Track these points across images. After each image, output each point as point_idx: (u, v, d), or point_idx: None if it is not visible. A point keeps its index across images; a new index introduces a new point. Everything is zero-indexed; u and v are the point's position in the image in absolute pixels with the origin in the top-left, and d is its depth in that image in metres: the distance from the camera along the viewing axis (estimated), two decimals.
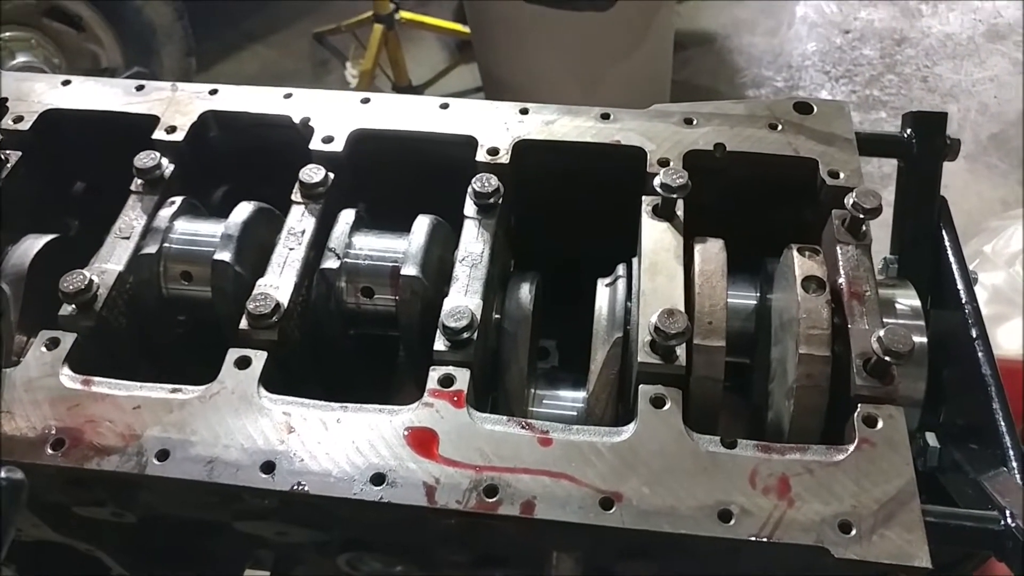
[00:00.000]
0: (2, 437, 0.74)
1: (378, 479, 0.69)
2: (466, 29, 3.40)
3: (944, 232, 0.94)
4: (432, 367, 0.77)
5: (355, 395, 0.79)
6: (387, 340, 0.95)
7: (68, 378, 0.77)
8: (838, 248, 0.81)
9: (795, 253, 0.81)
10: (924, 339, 0.80)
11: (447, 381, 0.75)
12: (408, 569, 0.96)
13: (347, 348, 0.92)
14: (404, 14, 3.37)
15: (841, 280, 0.79)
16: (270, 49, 4.01)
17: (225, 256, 0.83)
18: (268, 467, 0.71)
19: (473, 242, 0.86)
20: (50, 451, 0.73)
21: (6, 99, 1.02)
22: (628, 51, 2.80)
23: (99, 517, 0.89)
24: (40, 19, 2.98)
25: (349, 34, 3.64)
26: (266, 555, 1.08)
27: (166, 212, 0.89)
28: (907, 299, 0.84)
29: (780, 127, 0.92)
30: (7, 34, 2.91)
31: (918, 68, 3.45)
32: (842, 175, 0.87)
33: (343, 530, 0.87)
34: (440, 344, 0.78)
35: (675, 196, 0.84)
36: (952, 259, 0.91)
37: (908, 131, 0.96)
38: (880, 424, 0.70)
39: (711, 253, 0.82)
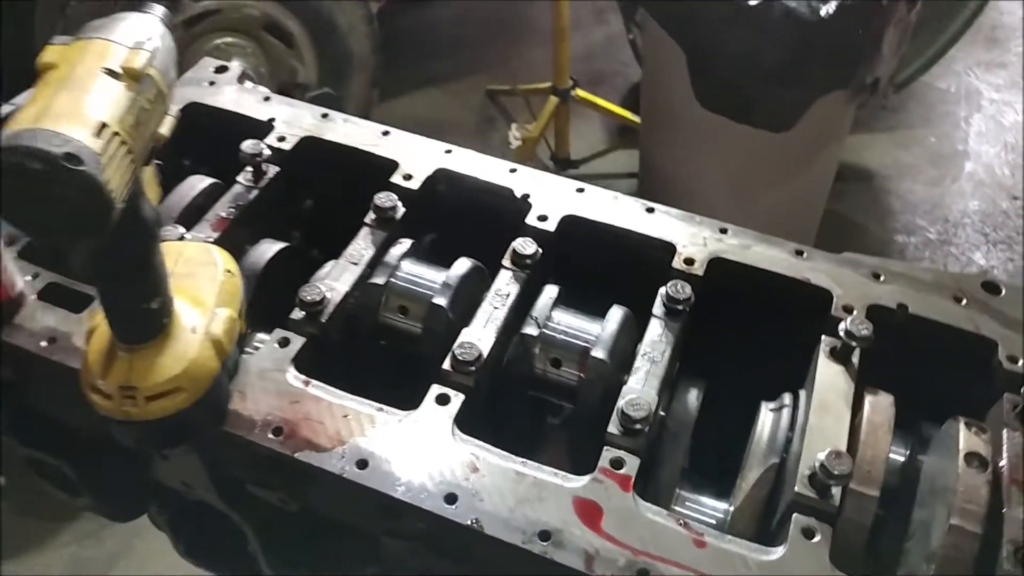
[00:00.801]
0: (232, 413, 0.86)
1: (545, 536, 0.77)
2: (633, 116, 3.53)
3: None
4: (605, 448, 0.84)
5: (506, 442, 0.87)
6: (545, 404, 1.04)
7: (293, 376, 0.89)
8: (1005, 432, 0.85)
9: (962, 426, 0.85)
10: None
11: (618, 464, 0.83)
12: None
13: (517, 404, 1.01)
14: (580, 92, 3.53)
15: (1003, 463, 0.83)
16: (444, 95, 4.24)
17: (442, 302, 0.94)
18: (451, 498, 0.79)
19: (657, 341, 0.94)
20: (271, 436, 0.84)
21: (273, 119, 1.18)
22: (791, 174, 2.86)
23: (267, 499, 1.00)
24: (259, 31, 3.28)
25: (521, 98, 3.83)
26: (374, 572, 1.17)
27: (396, 251, 1.00)
28: None
29: (964, 301, 0.97)
30: (228, 39, 3.21)
31: None
32: (1021, 362, 0.91)
33: (474, 570, 0.94)
34: (615, 428, 0.85)
35: (855, 344, 0.90)
36: None
37: None
38: None
39: (882, 406, 0.88)
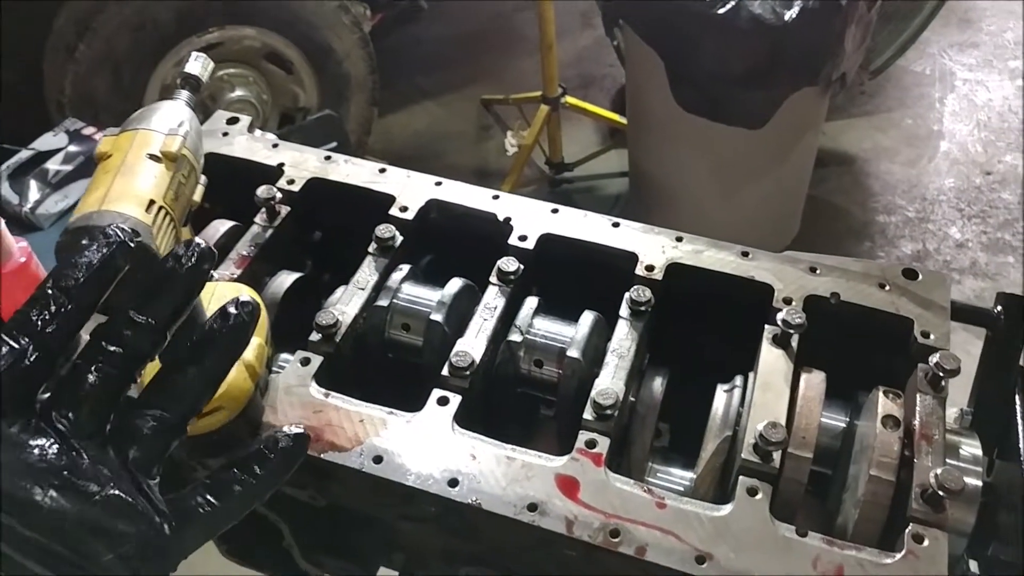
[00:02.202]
0: (265, 425, 1.02)
1: (532, 507, 0.93)
2: (621, 118, 3.68)
3: (1018, 397, 1.11)
4: (580, 431, 1.00)
5: (504, 433, 1.03)
6: (536, 399, 1.20)
7: (315, 390, 1.05)
8: (918, 396, 1.01)
9: (880, 394, 1.01)
10: (978, 483, 0.98)
11: (591, 444, 0.99)
12: None
13: (510, 400, 1.17)
14: (569, 99, 3.68)
15: (915, 422, 0.98)
16: (440, 107, 4.40)
17: (438, 318, 1.10)
18: (454, 483, 0.96)
19: (624, 339, 1.09)
20: None
21: (283, 164, 1.34)
22: (771, 166, 3.01)
23: (297, 496, 1.16)
24: (260, 60, 3.45)
25: (515, 107, 3.99)
26: (398, 558, 1.33)
27: (397, 276, 1.17)
28: (970, 447, 1.02)
29: (888, 287, 1.13)
30: (231, 70, 3.38)
31: None
32: (932, 336, 1.07)
33: (480, 545, 1.10)
34: (588, 414, 1.01)
35: (792, 332, 1.06)
36: (1020, 422, 1.09)
37: (998, 308, 1.14)
38: (926, 543, 0.89)
39: (814, 383, 1.03)
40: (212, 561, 1.44)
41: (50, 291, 0.65)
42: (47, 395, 0.67)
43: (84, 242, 0.67)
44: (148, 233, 0.78)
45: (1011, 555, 1.00)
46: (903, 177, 3.61)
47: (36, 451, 0.63)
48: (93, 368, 0.66)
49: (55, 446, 0.64)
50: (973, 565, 1.01)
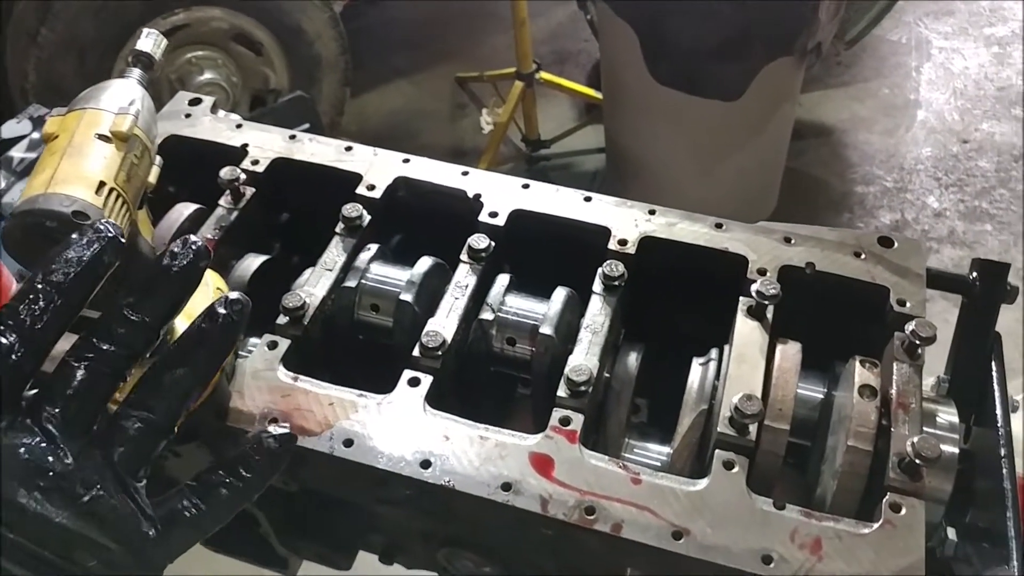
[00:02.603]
0: (232, 410, 1.00)
1: (506, 487, 0.92)
2: (597, 94, 3.65)
3: (994, 364, 1.11)
4: (555, 408, 0.99)
5: (480, 414, 1.02)
6: (511, 378, 1.18)
7: (283, 374, 1.02)
8: (894, 364, 1.00)
9: (857, 363, 1.00)
10: (955, 450, 0.98)
11: (565, 421, 0.97)
12: (494, 572, 1.17)
13: (484, 380, 1.15)
14: (544, 75, 3.65)
15: (892, 391, 0.97)
16: (413, 86, 4.36)
17: (408, 297, 1.08)
18: (426, 464, 0.94)
19: (597, 314, 1.08)
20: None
21: (247, 145, 1.31)
22: (748, 138, 3.00)
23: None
24: (228, 42, 3.38)
25: (489, 84, 3.95)
26: (377, 539, 1.31)
27: (365, 256, 1.14)
28: (947, 415, 1.02)
29: (863, 256, 1.11)
30: (199, 53, 3.32)
31: None
32: (908, 304, 1.05)
33: (456, 526, 1.09)
34: (562, 391, 1.00)
35: (767, 303, 1.05)
36: (996, 387, 1.08)
37: (974, 274, 1.13)
38: (903, 511, 0.88)
39: (789, 354, 1.02)
40: (214, 562, 1.43)
41: (39, 286, 0.63)
42: (34, 392, 0.65)
43: (74, 236, 0.65)
44: (99, 216, 0.75)
45: (989, 521, 1.00)
46: (881, 147, 3.61)
47: (22, 450, 0.62)
48: (83, 365, 0.65)
49: (41, 445, 0.63)
50: (951, 532, 1.01)
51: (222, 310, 0.71)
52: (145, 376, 0.70)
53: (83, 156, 0.78)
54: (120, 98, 0.84)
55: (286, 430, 0.74)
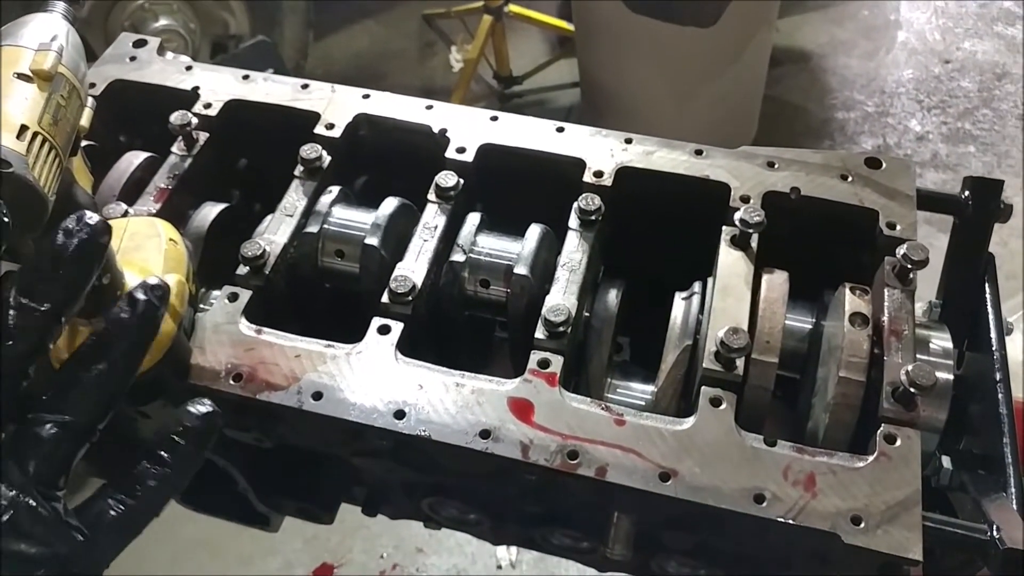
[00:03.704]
0: (194, 367, 0.94)
1: (485, 434, 0.87)
2: (569, 26, 3.55)
3: (987, 286, 1.07)
4: (533, 351, 0.94)
5: (458, 362, 0.97)
6: (488, 321, 1.14)
7: (245, 327, 0.97)
8: (886, 290, 0.95)
9: (847, 291, 0.95)
10: (950, 376, 0.94)
11: (544, 364, 0.93)
12: (480, 518, 1.14)
13: (459, 325, 1.10)
14: (513, 8, 3.53)
15: (884, 318, 0.93)
16: (380, 26, 4.22)
17: (374, 241, 1.02)
18: (400, 414, 0.89)
19: (574, 251, 1.02)
20: (231, 382, 0.93)
21: (198, 87, 1.23)
22: (725, 66, 2.92)
23: (243, 440, 1.09)
24: None
25: (457, 20, 3.83)
26: (359, 492, 1.28)
27: (326, 199, 1.08)
28: (940, 341, 0.98)
29: (850, 178, 1.06)
30: None
31: (1015, 105, 3.47)
32: (898, 227, 1.01)
33: (437, 475, 1.05)
34: (540, 333, 0.95)
35: (751, 231, 1.00)
36: (990, 310, 1.04)
37: (966, 193, 1.08)
38: (898, 443, 0.84)
39: (776, 283, 0.97)
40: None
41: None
42: None
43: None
44: (22, 163, 0.68)
45: (984, 448, 0.97)
46: (861, 71, 3.53)
47: None
48: None
49: None
50: (946, 461, 0.98)
51: (141, 296, 0.66)
52: (59, 375, 0.64)
53: (2, 97, 0.70)
54: (41, 34, 0.76)
55: (209, 408, 0.70)
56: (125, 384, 0.67)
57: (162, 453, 0.66)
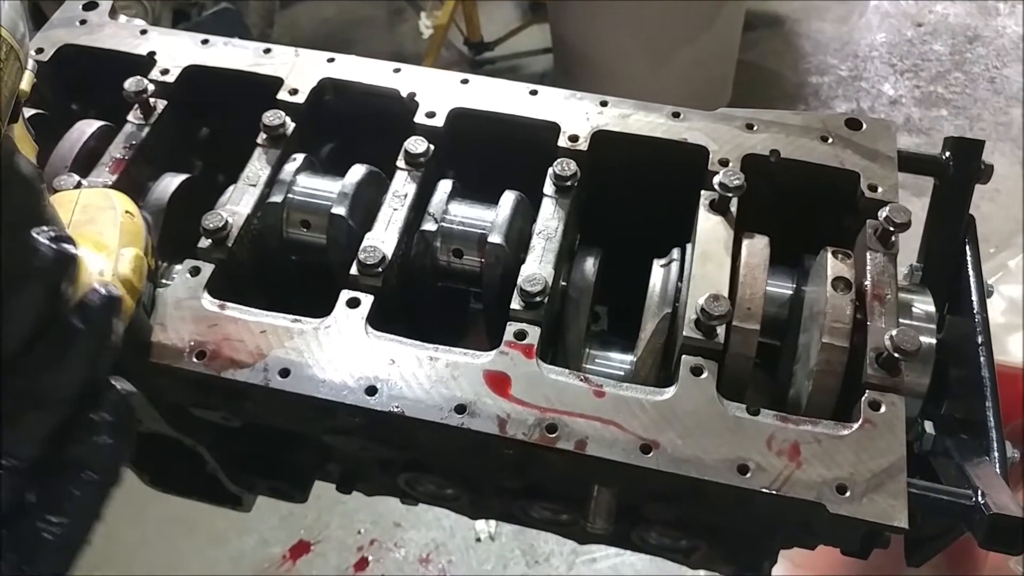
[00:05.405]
0: (156, 345, 0.90)
1: (460, 409, 0.84)
2: None
3: (968, 248, 1.05)
4: (509, 322, 0.91)
5: (432, 335, 0.94)
6: (463, 292, 1.10)
7: (208, 302, 0.93)
8: (868, 254, 0.93)
9: (829, 255, 0.93)
10: (932, 340, 0.92)
11: (521, 335, 0.90)
12: (458, 492, 1.12)
13: (433, 297, 1.07)
14: None
15: (867, 283, 0.91)
16: None
17: (341, 211, 0.98)
18: (372, 390, 0.86)
19: (550, 218, 0.99)
20: (194, 360, 0.89)
21: (154, 52, 1.17)
22: (698, 31, 2.88)
23: (210, 419, 1.06)
24: None
25: None
26: (334, 469, 1.25)
27: (290, 167, 1.03)
28: (923, 304, 0.96)
29: (831, 140, 1.04)
30: None
31: (987, 68, 3.47)
32: (880, 189, 0.99)
33: (413, 451, 1.02)
34: (516, 304, 0.92)
35: (730, 195, 0.97)
36: (971, 272, 1.03)
37: (947, 154, 1.06)
38: (883, 409, 0.83)
39: (757, 248, 0.95)
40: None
41: None
42: None
43: None
44: None
45: (965, 412, 0.96)
46: (834, 35, 3.51)
47: None
48: None
49: None
50: (928, 426, 0.96)
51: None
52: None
53: None
54: None
55: (131, 388, 0.66)
56: (67, 407, 0.63)
57: (84, 464, 0.62)
